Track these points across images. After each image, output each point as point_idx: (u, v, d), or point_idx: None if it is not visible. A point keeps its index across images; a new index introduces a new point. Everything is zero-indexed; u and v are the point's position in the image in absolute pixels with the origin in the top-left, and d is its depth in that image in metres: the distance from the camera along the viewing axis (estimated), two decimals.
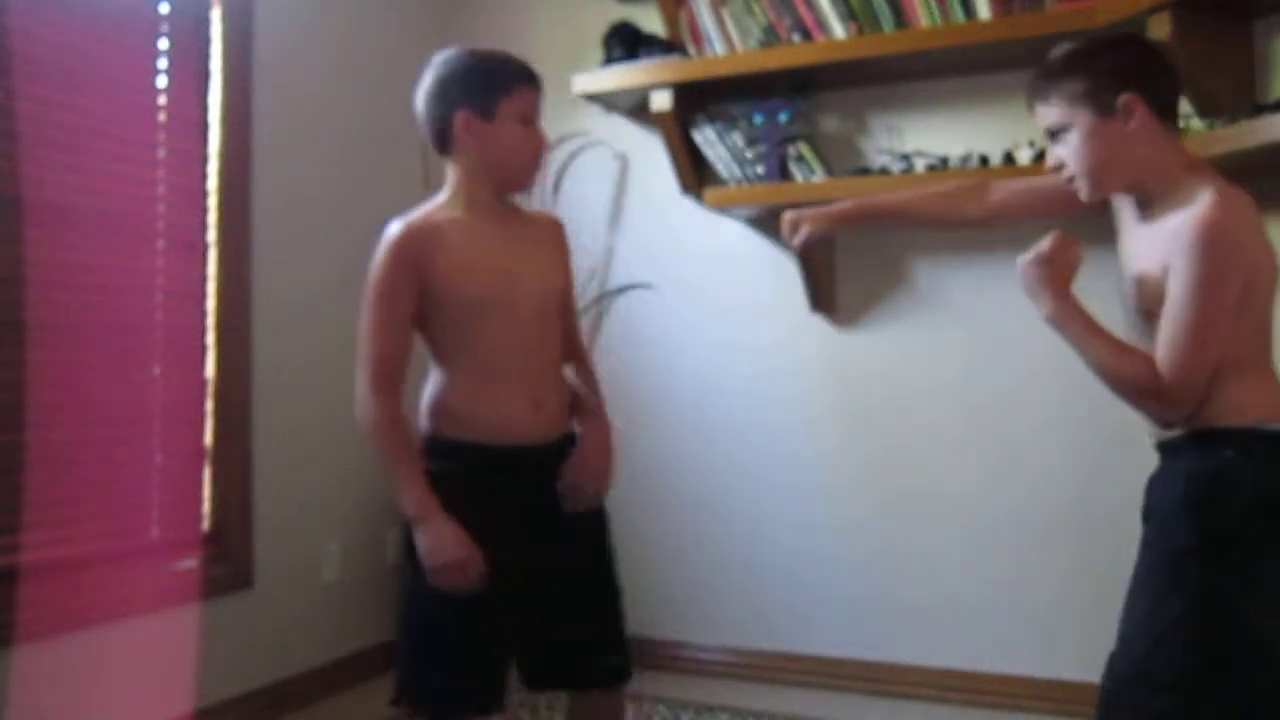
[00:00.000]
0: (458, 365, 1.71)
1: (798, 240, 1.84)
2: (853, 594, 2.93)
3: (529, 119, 1.72)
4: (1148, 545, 1.58)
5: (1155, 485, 1.59)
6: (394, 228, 1.71)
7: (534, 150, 1.74)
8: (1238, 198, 1.48)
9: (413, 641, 1.73)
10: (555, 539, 1.75)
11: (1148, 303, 1.54)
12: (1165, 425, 1.53)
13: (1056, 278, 1.56)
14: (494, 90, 1.68)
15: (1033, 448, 2.77)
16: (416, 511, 1.66)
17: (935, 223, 2.06)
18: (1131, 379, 1.49)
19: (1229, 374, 1.47)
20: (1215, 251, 1.42)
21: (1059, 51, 1.59)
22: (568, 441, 1.80)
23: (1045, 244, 1.55)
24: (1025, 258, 1.57)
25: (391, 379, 1.67)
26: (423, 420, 1.75)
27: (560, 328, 1.83)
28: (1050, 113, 1.58)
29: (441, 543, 1.63)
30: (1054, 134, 1.60)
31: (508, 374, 1.71)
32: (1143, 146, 1.52)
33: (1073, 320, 1.55)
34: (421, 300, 1.68)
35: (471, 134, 1.68)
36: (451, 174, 1.74)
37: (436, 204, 1.76)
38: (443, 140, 1.72)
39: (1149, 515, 1.60)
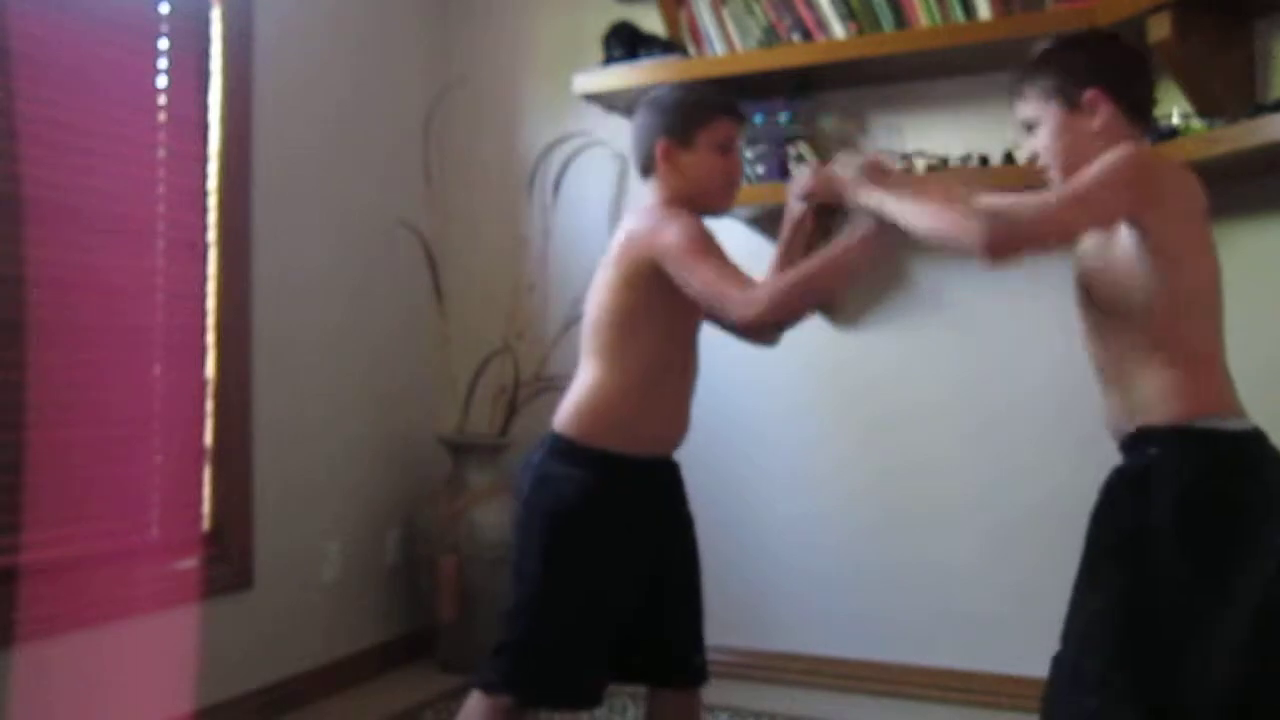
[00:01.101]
0: (632, 370, 1.77)
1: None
2: (853, 594, 2.93)
3: (726, 148, 1.81)
4: (1085, 543, 1.59)
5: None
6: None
7: (728, 176, 1.83)
8: (1191, 181, 1.50)
9: (530, 629, 1.74)
10: (675, 543, 1.88)
11: (1103, 301, 1.56)
12: (999, 250, 1.43)
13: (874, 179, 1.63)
14: (693, 120, 1.78)
15: (1037, 450, 2.77)
16: (851, 247, 1.63)
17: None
18: (962, 216, 1.45)
19: (1169, 367, 1.47)
20: (1128, 165, 1.44)
21: (1037, 48, 1.64)
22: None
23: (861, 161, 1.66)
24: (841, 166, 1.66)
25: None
26: (570, 421, 1.78)
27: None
28: (1025, 107, 1.63)
29: None
30: (1029, 128, 1.64)
31: (676, 387, 1.84)
32: (1106, 143, 1.53)
33: (885, 199, 1.58)
34: (656, 296, 1.73)
35: (669, 161, 1.79)
36: (652, 197, 1.84)
37: None
38: (647, 168, 1.83)
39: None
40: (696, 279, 1.65)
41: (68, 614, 2.16)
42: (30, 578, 2.09)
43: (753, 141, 2.86)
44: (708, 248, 1.67)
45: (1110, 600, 1.48)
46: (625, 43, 2.99)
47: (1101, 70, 1.57)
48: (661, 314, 1.75)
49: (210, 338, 2.59)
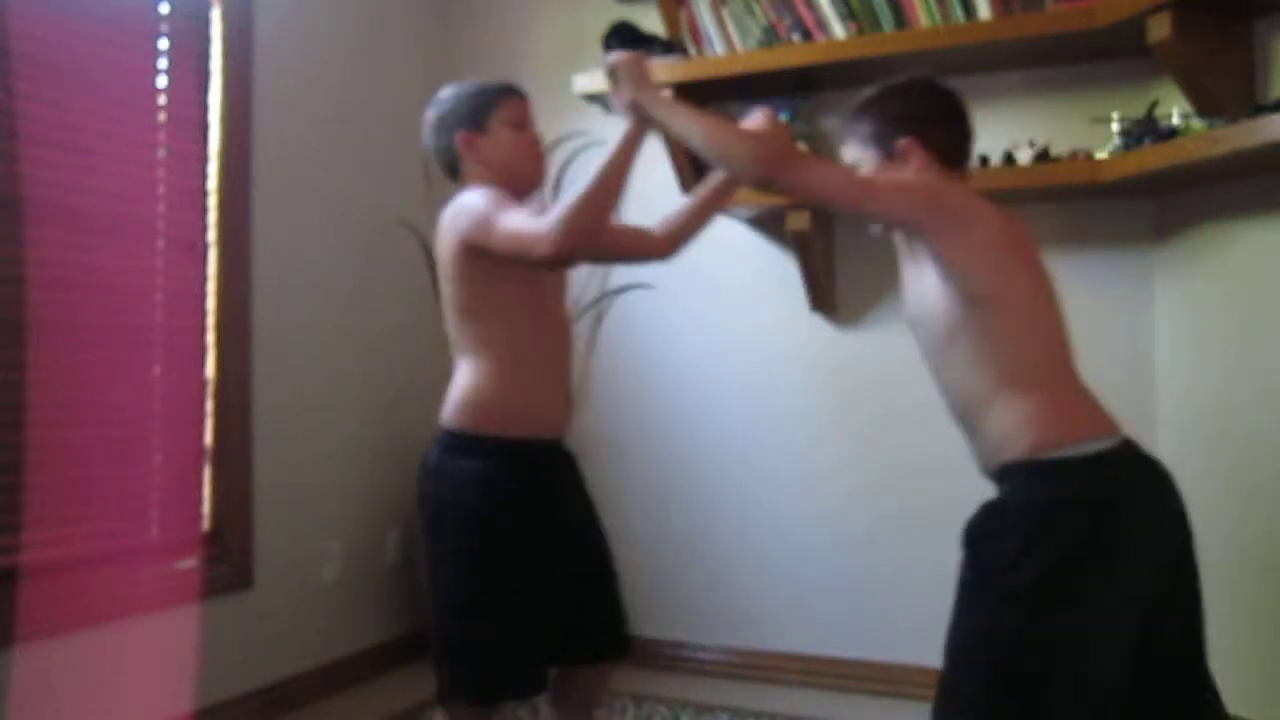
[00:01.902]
0: (496, 357, 1.80)
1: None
2: (853, 594, 2.93)
3: (520, 124, 1.88)
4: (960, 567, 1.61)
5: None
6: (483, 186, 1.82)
7: (530, 150, 1.90)
8: (992, 212, 1.55)
9: (464, 630, 1.77)
10: (581, 521, 1.93)
11: (933, 350, 1.60)
12: (770, 168, 1.53)
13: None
14: (482, 106, 1.85)
15: None
16: (620, 148, 1.76)
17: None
18: (749, 139, 1.60)
19: (1012, 402, 1.49)
20: (925, 185, 1.55)
21: (861, 95, 1.72)
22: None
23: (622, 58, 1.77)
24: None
25: None
26: (453, 414, 1.82)
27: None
28: (849, 152, 1.70)
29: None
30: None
31: (541, 373, 1.85)
32: None
33: (664, 103, 1.71)
34: (487, 276, 1.77)
35: (472, 149, 1.84)
36: (470, 185, 1.87)
37: None
38: (453, 167, 1.88)
39: None
40: (496, 239, 1.69)
41: (68, 614, 2.16)
42: (30, 578, 2.09)
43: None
44: (499, 207, 1.71)
45: (980, 627, 1.53)
46: (625, 43, 2.99)
47: (914, 118, 1.63)
48: (504, 296, 1.79)
49: (210, 338, 2.59)
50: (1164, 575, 1.50)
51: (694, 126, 1.63)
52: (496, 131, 1.85)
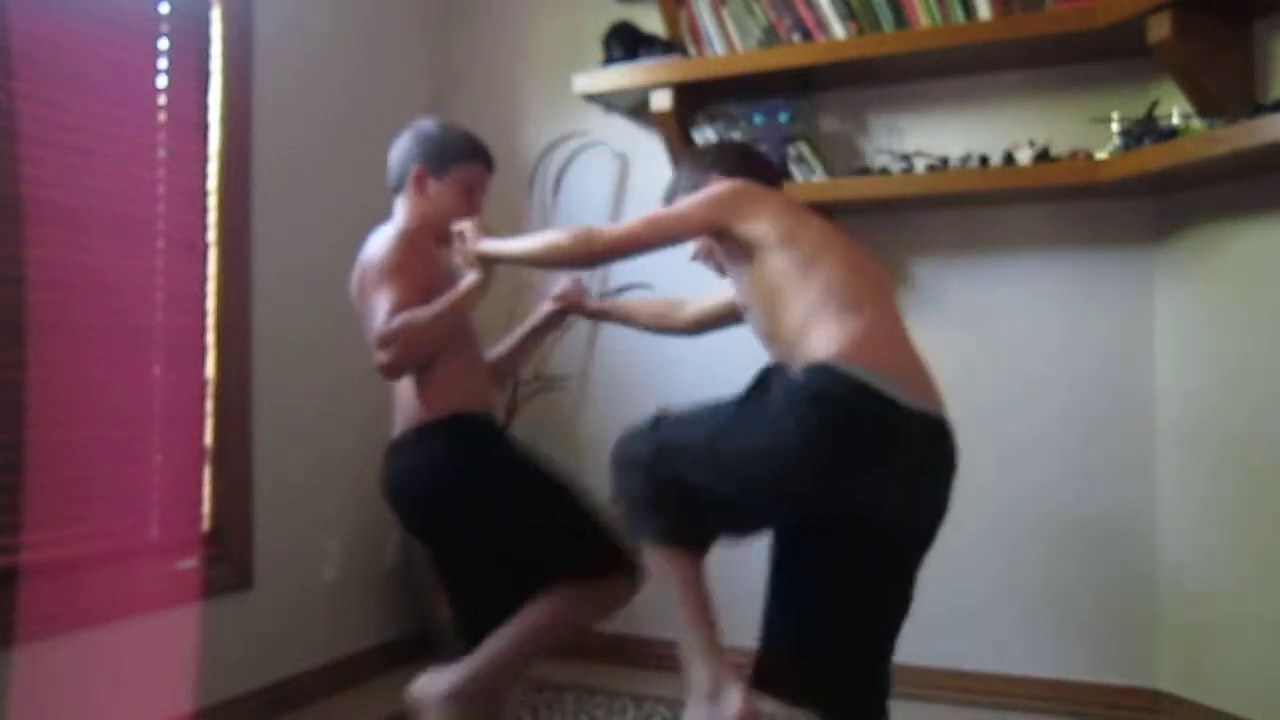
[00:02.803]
0: (451, 358, 1.99)
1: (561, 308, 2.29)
2: None
3: (472, 190, 2.07)
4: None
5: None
6: (400, 224, 2.03)
7: (466, 215, 2.04)
8: (768, 197, 1.80)
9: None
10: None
11: (754, 308, 1.79)
12: (582, 266, 1.90)
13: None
14: (451, 155, 2.04)
15: (1034, 449, 2.77)
16: (470, 284, 1.95)
17: (652, 326, 2.33)
18: (568, 231, 1.81)
19: (814, 323, 1.63)
20: (706, 195, 1.78)
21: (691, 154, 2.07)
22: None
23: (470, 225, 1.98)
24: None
25: None
26: (424, 411, 1.98)
27: None
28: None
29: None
30: None
31: (469, 360, 2.05)
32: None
33: (505, 245, 1.91)
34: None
35: (419, 185, 2.04)
36: (401, 212, 2.08)
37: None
38: (396, 187, 2.08)
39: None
40: (372, 304, 1.89)
41: (68, 614, 2.16)
42: (30, 578, 2.09)
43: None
44: (394, 274, 1.89)
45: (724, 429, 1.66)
46: (625, 43, 2.99)
47: (715, 162, 1.93)
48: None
49: (210, 338, 2.59)
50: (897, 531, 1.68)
51: (523, 252, 1.88)
52: (449, 183, 2.04)
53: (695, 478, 1.64)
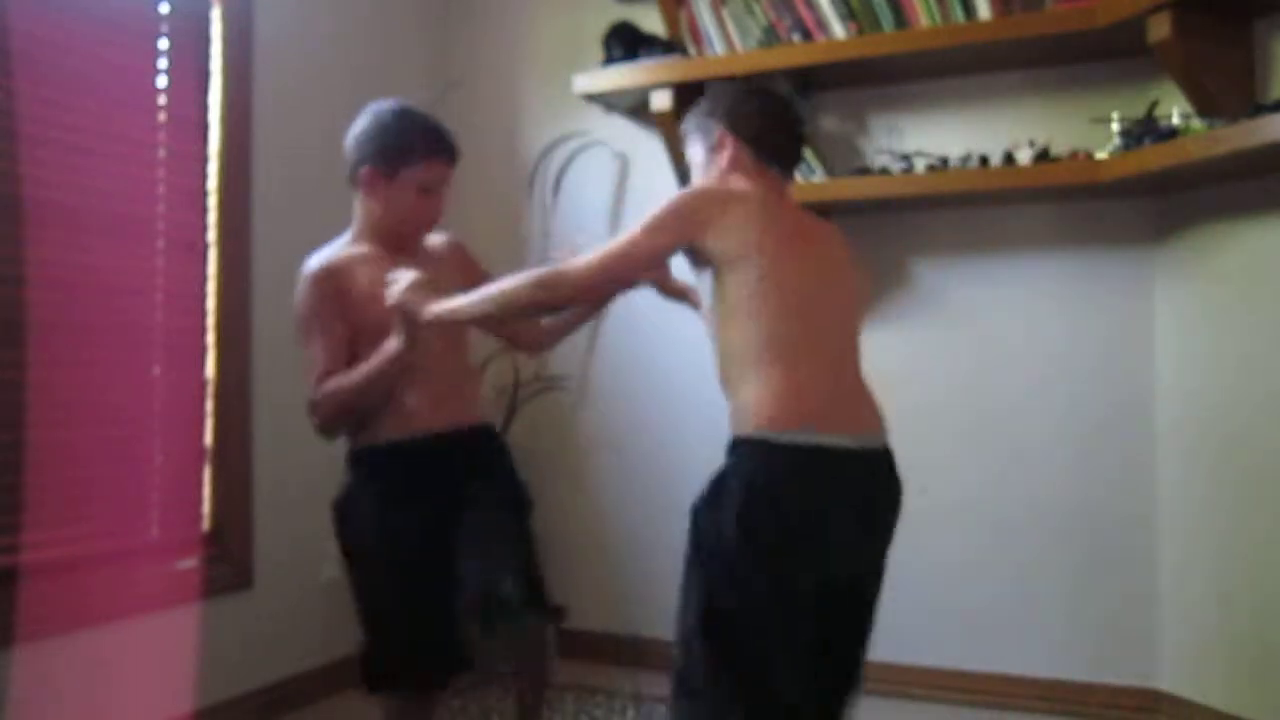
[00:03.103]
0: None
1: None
2: None
3: (431, 188, 1.88)
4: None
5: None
6: (312, 264, 1.89)
7: (423, 218, 1.91)
8: (741, 204, 1.63)
9: (369, 624, 1.94)
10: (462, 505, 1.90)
11: (713, 318, 1.69)
12: (553, 308, 1.77)
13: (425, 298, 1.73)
14: (401, 156, 1.84)
15: (1033, 448, 2.77)
16: (388, 354, 1.77)
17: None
18: (527, 281, 1.66)
19: (746, 375, 1.57)
20: (662, 212, 1.62)
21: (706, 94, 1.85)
22: (479, 431, 1.99)
23: (404, 285, 1.74)
24: (401, 294, 1.73)
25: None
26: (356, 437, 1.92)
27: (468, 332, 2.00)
28: (689, 149, 1.81)
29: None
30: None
31: (411, 380, 1.84)
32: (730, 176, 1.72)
33: (455, 306, 1.71)
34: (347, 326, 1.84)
35: (371, 188, 1.87)
36: (357, 211, 1.93)
37: (345, 240, 1.94)
38: (353, 182, 1.92)
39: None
40: (304, 352, 1.83)
41: (68, 614, 2.16)
42: (30, 578, 2.09)
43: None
44: (309, 336, 1.83)
45: (700, 606, 1.57)
46: (625, 43, 2.99)
47: (729, 113, 1.75)
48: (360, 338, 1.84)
49: (210, 338, 2.59)
50: (837, 585, 1.60)
51: (481, 306, 1.70)
52: (402, 187, 1.85)
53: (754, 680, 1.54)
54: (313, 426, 1.83)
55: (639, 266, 1.65)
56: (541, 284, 1.64)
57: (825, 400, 1.58)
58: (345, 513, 1.90)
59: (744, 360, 1.58)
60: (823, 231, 1.74)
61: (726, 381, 1.63)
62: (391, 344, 1.75)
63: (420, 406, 1.86)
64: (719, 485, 1.58)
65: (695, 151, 1.79)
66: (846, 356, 1.67)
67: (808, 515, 1.53)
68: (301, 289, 1.84)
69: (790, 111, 1.80)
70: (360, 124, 1.89)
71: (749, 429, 1.55)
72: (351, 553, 1.89)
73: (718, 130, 1.75)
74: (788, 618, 1.53)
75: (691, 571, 1.61)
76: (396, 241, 1.90)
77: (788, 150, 1.79)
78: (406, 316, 1.72)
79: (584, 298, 1.70)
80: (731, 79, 2.71)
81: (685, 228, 1.61)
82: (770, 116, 1.78)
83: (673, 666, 1.62)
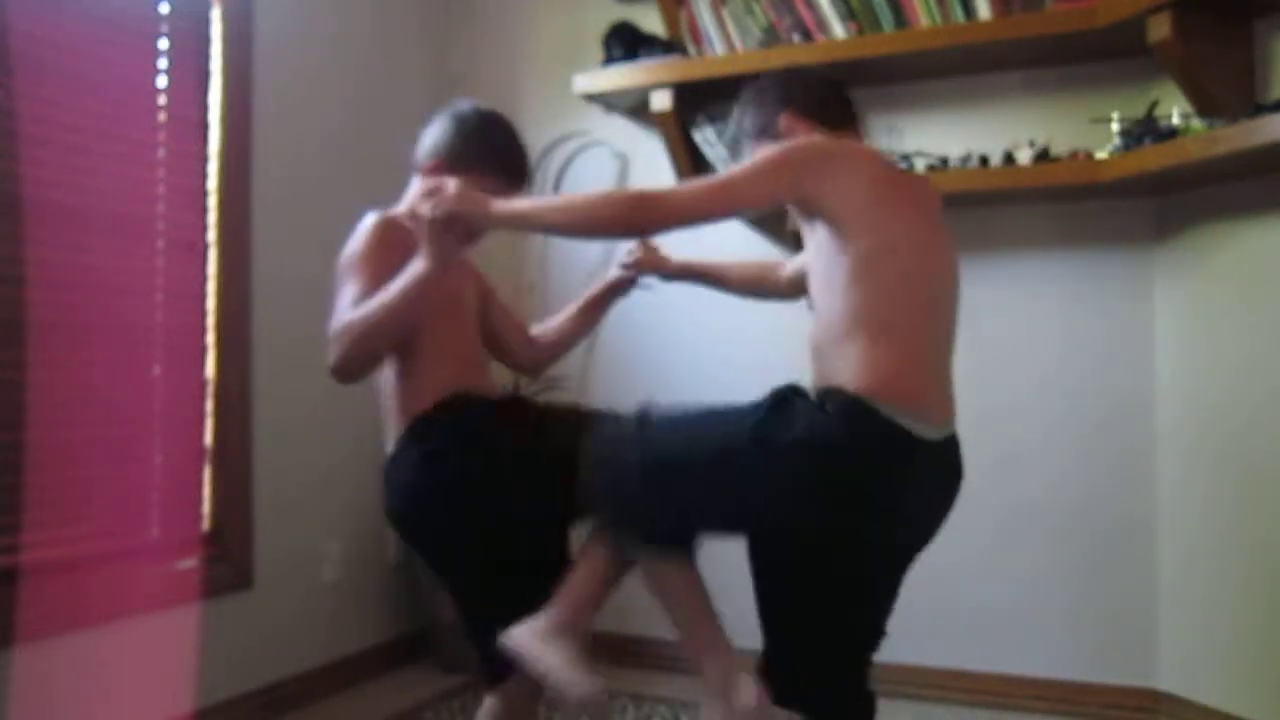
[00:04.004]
0: (423, 354, 1.76)
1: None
2: None
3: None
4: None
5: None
6: (373, 215, 1.78)
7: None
8: (861, 160, 1.58)
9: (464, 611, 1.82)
10: None
11: (813, 284, 1.63)
12: (641, 222, 1.55)
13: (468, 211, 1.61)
14: (476, 157, 1.79)
15: (1033, 448, 2.77)
16: (415, 273, 1.61)
17: (746, 289, 2.12)
18: (615, 197, 1.55)
19: (847, 345, 1.50)
20: (778, 152, 1.55)
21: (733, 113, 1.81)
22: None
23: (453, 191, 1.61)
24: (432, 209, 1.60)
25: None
26: (400, 418, 1.77)
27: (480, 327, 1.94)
28: (749, 151, 1.75)
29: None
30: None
31: (439, 355, 1.77)
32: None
33: (522, 209, 1.61)
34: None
35: (431, 174, 1.79)
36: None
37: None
38: (419, 164, 1.85)
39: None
40: (338, 296, 1.68)
41: (68, 614, 2.16)
42: (30, 578, 2.09)
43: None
44: (354, 270, 1.68)
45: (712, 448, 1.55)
46: (625, 43, 2.99)
47: (780, 98, 1.70)
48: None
49: (210, 338, 2.59)
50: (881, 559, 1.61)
51: (553, 214, 1.61)
52: (463, 181, 1.73)
53: (691, 492, 1.53)
54: (329, 367, 1.66)
55: (738, 207, 1.57)
56: (638, 203, 1.52)
57: (923, 383, 1.52)
58: (422, 487, 1.69)
59: (847, 328, 1.52)
60: (925, 193, 1.66)
61: (825, 345, 1.56)
62: (420, 264, 1.59)
63: (453, 374, 1.77)
64: (811, 404, 1.52)
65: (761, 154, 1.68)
66: (945, 335, 1.60)
67: (883, 488, 1.50)
68: (365, 230, 1.73)
69: (830, 80, 1.76)
70: (445, 120, 1.84)
71: (861, 389, 1.48)
72: (463, 526, 1.69)
73: (782, 118, 1.69)
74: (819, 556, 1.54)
75: (752, 432, 1.53)
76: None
77: (850, 110, 1.74)
78: (445, 226, 1.58)
79: (676, 226, 1.54)
80: (736, 78, 2.71)
81: (795, 177, 1.53)
82: (821, 83, 1.74)
83: (610, 426, 1.64)
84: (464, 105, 1.86)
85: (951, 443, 1.58)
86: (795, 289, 1.97)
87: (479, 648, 1.74)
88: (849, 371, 1.49)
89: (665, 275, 2.06)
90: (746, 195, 1.54)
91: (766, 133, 1.71)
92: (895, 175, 1.63)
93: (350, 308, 1.63)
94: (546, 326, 2.07)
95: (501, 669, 1.70)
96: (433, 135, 1.84)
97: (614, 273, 2.06)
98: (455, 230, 1.60)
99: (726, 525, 1.61)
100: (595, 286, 2.08)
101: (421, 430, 1.71)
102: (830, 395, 1.50)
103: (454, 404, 1.73)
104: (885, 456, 1.47)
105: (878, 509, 1.51)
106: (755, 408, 1.57)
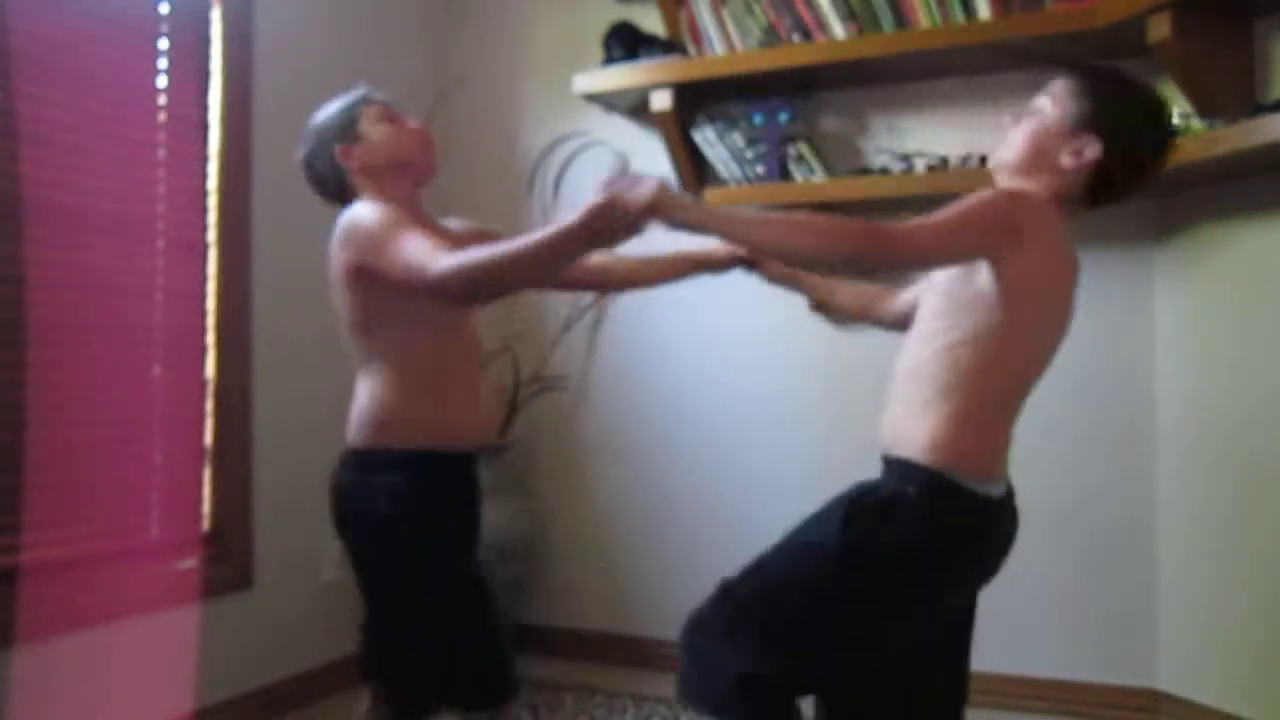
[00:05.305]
0: (405, 366, 1.71)
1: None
2: None
3: (391, 118, 1.81)
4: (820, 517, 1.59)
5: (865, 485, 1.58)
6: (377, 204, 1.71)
7: (412, 137, 1.81)
8: (1063, 248, 1.48)
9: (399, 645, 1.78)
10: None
11: (941, 319, 1.54)
12: (870, 270, 1.50)
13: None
14: (345, 120, 1.80)
15: (1033, 448, 2.74)
16: (564, 235, 1.45)
17: (851, 312, 1.99)
18: (844, 227, 1.42)
19: (946, 405, 1.46)
20: (1003, 198, 1.44)
21: (1107, 66, 1.59)
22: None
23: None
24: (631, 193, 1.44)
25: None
26: (358, 432, 1.75)
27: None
28: (1044, 101, 1.57)
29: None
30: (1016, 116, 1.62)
31: (459, 375, 1.75)
32: (1053, 183, 1.51)
33: (720, 217, 1.49)
34: (378, 291, 1.66)
35: (352, 157, 1.77)
36: (367, 194, 1.79)
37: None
38: (340, 186, 1.80)
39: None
40: (386, 262, 1.58)
41: (68, 614, 2.16)
42: (30, 578, 2.09)
43: (753, 141, 2.86)
44: (395, 227, 1.59)
45: (818, 577, 1.51)
46: (625, 43, 2.99)
47: (1121, 129, 1.48)
48: (397, 309, 1.68)
49: (210, 338, 2.59)
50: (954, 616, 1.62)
51: (756, 230, 1.48)
52: (368, 133, 1.78)
53: (798, 657, 1.51)
54: (444, 294, 1.53)
55: (957, 259, 1.46)
56: (874, 240, 1.39)
57: (1003, 451, 1.52)
58: (391, 517, 1.68)
59: (956, 391, 1.46)
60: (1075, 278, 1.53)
61: (917, 392, 1.51)
62: (577, 217, 1.41)
63: (455, 414, 1.73)
64: (895, 503, 1.48)
65: (1047, 109, 1.53)
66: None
67: (982, 560, 1.55)
68: (376, 209, 1.66)
69: (1164, 159, 1.54)
70: (308, 150, 1.85)
71: (939, 464, 1.46)
72: (400, 562, 1.70)
73: (1088, 140, 1.47)
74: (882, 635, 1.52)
75: (820, 544, 1.52)
76: (413, 188, 1.80)
77: (1124, 197, 1.54)
78: (640, 216, 1.42)
79: (898, 269, 1.44)
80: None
81: (992, 239, 1.42)
82: (1149, 107, 1.51)
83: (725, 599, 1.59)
84: (305, 133, 1.85)
85: (1011, 492, 1.57)
86: (898, 323, 1.81)
87: (421, 667, 1.73)
88: (930, 438, 1.47)
89: (769, 275, 1.93)
90: (967, 246, 1.43)
91: (1075, 120, 1.49)
92: (1073, 257, 1.50)
93: (427, 249, 1.51)
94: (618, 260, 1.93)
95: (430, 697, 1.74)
96: (315, 155, 1.83)
97: (718, 249, 1.90)
98: (637, 223, 1.44)
99: (849, 659, 1.56)
100: (698, 251, 1.93)
101: (407, 465, 1.69)
102: (913, 474, 1.48)
103: (441, 466, 1.72)
104: (974, 531, 1.50)
105: (977, 579, 1.58)
106: (828, 529, 1.53)
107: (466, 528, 1.77)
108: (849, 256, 1.40)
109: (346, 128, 1.80)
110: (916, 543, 1.46)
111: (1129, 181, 1.51)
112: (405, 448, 1.69)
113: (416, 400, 1.70)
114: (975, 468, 1.47)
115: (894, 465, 1.53)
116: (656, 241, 1.73)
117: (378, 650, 1.78)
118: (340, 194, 1.81)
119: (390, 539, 1.69)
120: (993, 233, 1.42)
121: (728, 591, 1.59)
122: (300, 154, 1.85)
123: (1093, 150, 1.47)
